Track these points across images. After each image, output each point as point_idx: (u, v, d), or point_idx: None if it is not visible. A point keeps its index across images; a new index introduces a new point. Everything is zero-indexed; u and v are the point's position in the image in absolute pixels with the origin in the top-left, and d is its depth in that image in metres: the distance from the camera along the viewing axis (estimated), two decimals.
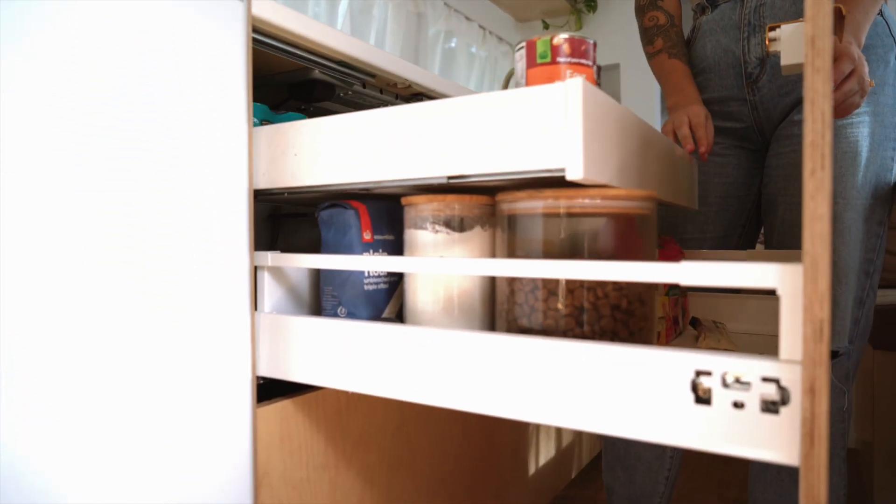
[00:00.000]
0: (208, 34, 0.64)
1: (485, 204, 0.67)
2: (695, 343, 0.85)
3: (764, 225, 1.14)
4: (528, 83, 0.67)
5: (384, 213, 0.75)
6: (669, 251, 0.94)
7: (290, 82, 0.95)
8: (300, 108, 1.04)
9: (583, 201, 0.57)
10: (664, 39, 1.20)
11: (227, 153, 0.66)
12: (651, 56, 1.22)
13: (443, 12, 2.40)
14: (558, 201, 0.58)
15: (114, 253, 0.55)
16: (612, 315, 0.57)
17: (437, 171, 0.60)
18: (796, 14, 1.04)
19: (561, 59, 0.65)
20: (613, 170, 0.60)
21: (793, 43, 0.72)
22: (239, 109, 0.67)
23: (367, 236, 0.72)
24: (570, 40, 0.65)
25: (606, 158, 0.58)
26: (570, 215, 0.58)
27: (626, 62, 2.72)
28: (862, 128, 1.02)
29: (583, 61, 0.66)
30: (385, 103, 1.10)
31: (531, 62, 0.67)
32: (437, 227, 0.66)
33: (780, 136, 1.09)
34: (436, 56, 2.44)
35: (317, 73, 0.92)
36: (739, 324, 1.03)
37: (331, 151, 0.67)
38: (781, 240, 1.07)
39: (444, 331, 0.57)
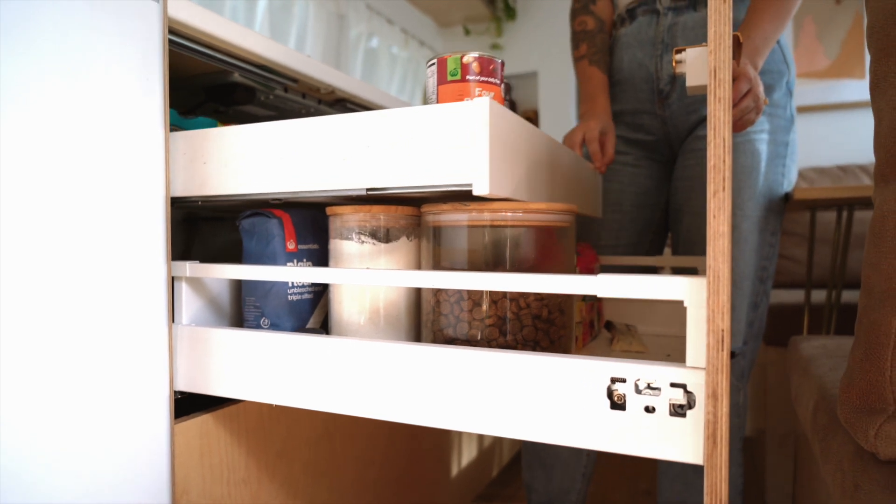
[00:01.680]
0: (122, 35, 0.61)
1: (410, 215, 0.68)
2: (608, 346, 0.89)
3: (671, 232, 1.22)
4: (438, 99, 0.69)
5: (308, 222, 0.74)
6: (586, 258, 0.98)
7: (208, 85, 0.92)
8: (219, 110, 1.01)
9: (505, 214, 0.59)
10: (588, 45, 1.25)
11: (142, 159, 0.63)
12: (575, 60, 1.26)
13: (364, 14, 2.38)
14: (482, 214, 0.59)
15: (22, 261, 0.52)
16: (534, 324, 0.59)
17: (356, 183, 0.60)
18: (706, 36, 1.12)
19: (470, 77, 0.68)
20: (520, 184, 0.62)
21: (697, 66, 0.77)
22: (154, 114, 0.65)
23: (290, 246, 0.71)
24: (480, 59, 0.68)
25: (513, 173, 0.60)
26: (494, 227, 0.60)
27: (543, 70, 2.81)
28: (759, 145, 1.10)
29: (491, 80, 0.68)
30: (307, 108, 1.08)
31: (442, 79, 0.69)
32: (363, 238, 0.66)
33: (686, 150, 1.16)
34: (357, 57, 2.43)
35: (236, 77, 0.89)
36: (649, 326, 1.09)
37: (241, 161, 0.66)
38: (687, 247, 1.14)
39: (370, 342, 0.57)
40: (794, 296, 1.90)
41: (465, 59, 0.67)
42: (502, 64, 0.71)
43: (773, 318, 1.70)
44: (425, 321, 0.64)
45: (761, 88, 0.94)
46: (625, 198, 1.22)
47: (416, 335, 0.69)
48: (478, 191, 0.55)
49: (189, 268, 0.69)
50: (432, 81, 0.69)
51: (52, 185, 0.55)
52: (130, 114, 0.62)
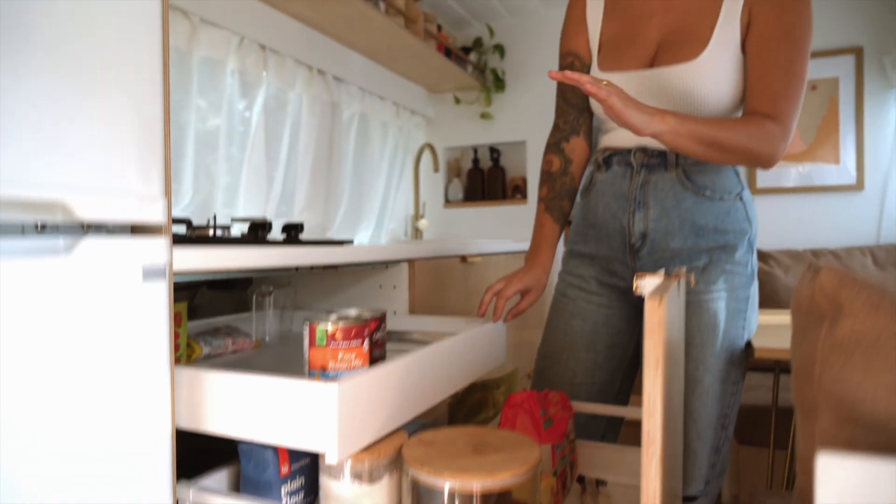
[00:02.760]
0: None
1: (392, 453, 0.75)
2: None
3: (642, 370, 1.29)
4: (309, 361, 0.80)
5: None
6: (558, 423, 1.06)
7: None
8: None
9: (482, 483, 0.67)
10: (549, 189, 1.33)
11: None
12: (538, 199, 1.35)
13: (357, 95, 2.46)
14: (470, 483, 0.67)
15: None
16: None
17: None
18: (675, 197, 1.17)
19: (333, 345, 0.79)
20: (382, 429, 0.77)
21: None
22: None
23: (284, 470, 0.79)
24: (344, 329, 0.79)
25: (371, 428, 0.74)
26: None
27: (531, 139, 2.89)
28: (719, 303, 1.17)
29: (353, 343, 0.80)
30: None
31: (311, 343, 0.80)
32: (351, 478, 0.73)
33: None
34: (350, 134, 2.50)
35: None
36: (619, 476, 1.16)
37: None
38: None
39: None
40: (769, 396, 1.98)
41: (329, 330, 0.79)
42: (370, 322, 0.83)
43: (744, 417, 1.78)
44: None
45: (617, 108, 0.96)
46: (599, 338, 1.29)
47: None
48: (329, 460, 0.68)
49: (192, 493, 0.76)
50: (305, 343, 0.81)
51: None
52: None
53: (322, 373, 0.78)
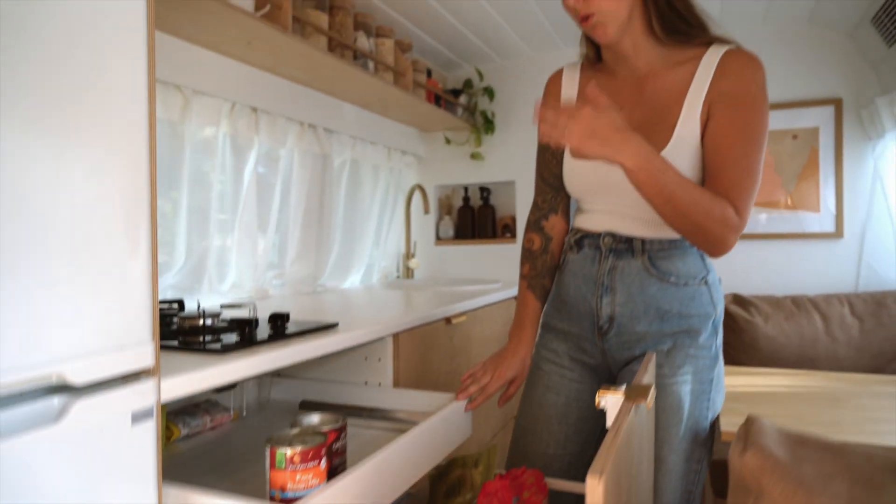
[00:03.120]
0: None
1: None
2: None
3: None
4: (270, 483, 0.88)
5: None
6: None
7: None
8: None
9: None
10: (531, 267, 1.39)
11: None
12: (519, 277, 1.41)
13: (348, 143, 2.51)
14: None
15: None
16: None
17: None
18: (641, 283, 1.22)
19: (292, 468, 0.86)
20: None
21: (612, 410, 0.91)
22: None
23: None
24: (302, 452, 0.86)
25: None
26: None
27: (520, 180, 2.94)
28: (684, 385, 1.22)
29: (311, 464, 0.87)
30: None
31: (272, 465, 0.87)
32: None
33: (622, 378, 1.29)
34: (341, 181, 2.55)
35: None
36: None
37: None
38: None
39: None
40: None
41: (288, 454, 0.86)
42: (329, 434, 0.90)
43: (723, 470, 1.83)
44: None
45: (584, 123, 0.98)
46: (570, 411, 1.34)
47: None
48: None
49: None
50: (267, 463, 0.87)
51: None
52: None
53: (281, 493, 0.86)
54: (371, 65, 2.14)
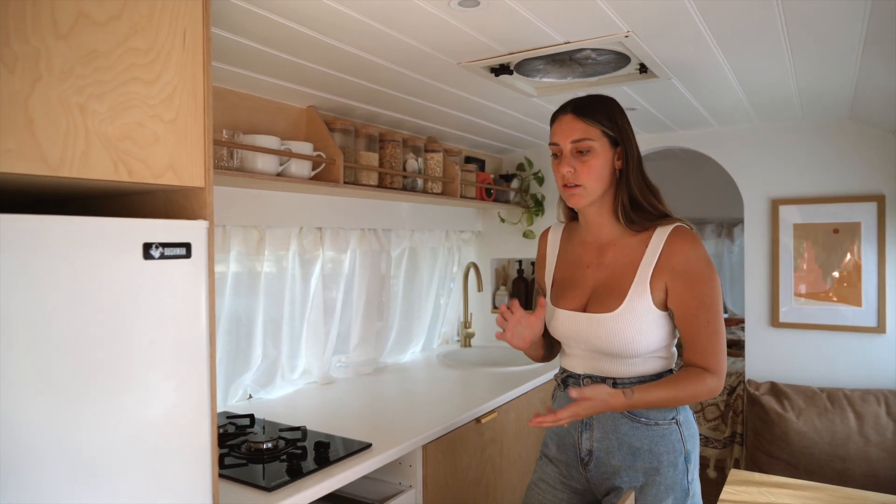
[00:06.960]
0: None
1: None
2: None
3: None
4: None
5: None
6: None
7: None
8: None
9: None
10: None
11: None
12: None
13: (405, 235, 2.82)
14: None
15: None
16: None
17: None
18: (614, 422, 1.40)
19: None
20: None
21: None
22: None
23: None
24: None
25: None
26: None
27: None
28: None
29: None
30: None
31: None
32: None
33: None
34: (400, 269, 2.87)
35: None
36: None
37: None
38: None
39: None
40: None
41: None
42: None
43: None
44: None
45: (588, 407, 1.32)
46: None
47: None
48: None
49: None
50: None
51: None
52: None
53: None
54: (420, 182, 2.43)
